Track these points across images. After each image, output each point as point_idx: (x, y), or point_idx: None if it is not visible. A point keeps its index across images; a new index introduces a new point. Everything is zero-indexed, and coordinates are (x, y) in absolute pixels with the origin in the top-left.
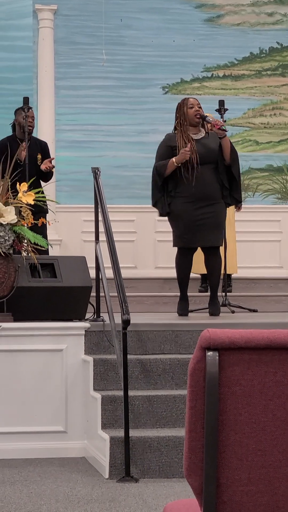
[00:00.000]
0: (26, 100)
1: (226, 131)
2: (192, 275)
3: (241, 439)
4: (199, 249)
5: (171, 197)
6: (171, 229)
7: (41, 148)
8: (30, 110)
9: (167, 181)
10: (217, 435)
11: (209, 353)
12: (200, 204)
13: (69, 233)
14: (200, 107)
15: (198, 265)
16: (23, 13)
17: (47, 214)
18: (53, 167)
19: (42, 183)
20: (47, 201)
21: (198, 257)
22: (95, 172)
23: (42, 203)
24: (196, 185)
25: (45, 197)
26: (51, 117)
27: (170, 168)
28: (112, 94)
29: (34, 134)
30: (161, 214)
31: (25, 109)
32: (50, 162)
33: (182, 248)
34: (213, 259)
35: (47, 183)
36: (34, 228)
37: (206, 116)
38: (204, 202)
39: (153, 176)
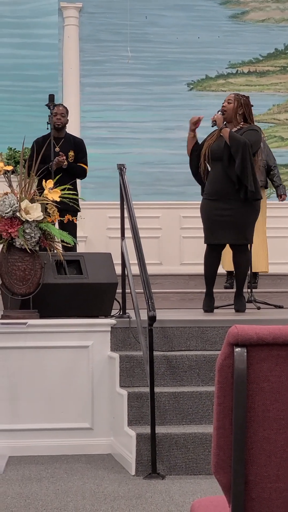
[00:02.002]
0: (51, 97)
1: (212, 125)
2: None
3: (269, 435)
4: (227, 246)
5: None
6: (196, 226)
7: (75, 145)
8: (56, 106)
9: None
10: (245, 432)
11: (237, 349)
12: (216, 201)
13: (94, 230)
14: (230, 102)
15: (224, 262)
16: (49, 11)
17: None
18: (62, 161)
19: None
20: (75, 200)
21: (224, 254)
22: (121, 168)
23: (70, 200)
24: (209, 182)
25: (76, 194)
26: (77, 114)
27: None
28: (137, 91)
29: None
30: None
31: (51, 106)
32: (62, 156)
33: (208, 244)
34: (239, 256)
35: (82, 180)
36: (64, 226)
37: (219, 111)
38: (218, 198)
39: None
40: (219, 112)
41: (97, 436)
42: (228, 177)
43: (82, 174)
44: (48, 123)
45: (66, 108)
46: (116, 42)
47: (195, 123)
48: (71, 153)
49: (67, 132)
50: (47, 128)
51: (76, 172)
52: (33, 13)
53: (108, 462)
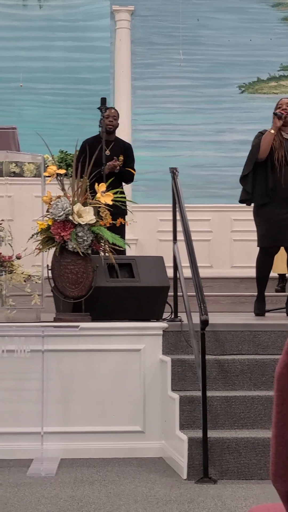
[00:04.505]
0: (103, 100)
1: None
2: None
3: None
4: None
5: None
6: (247, 229)
7: (124, 150)
8: (109, 109)
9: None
10: None
11: None
12: (283, 204)
13: (145, 233)
14: None
15: (276, 265)
16: (101, 14)
17: (125, 215)
18: (116, 166)
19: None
20: (126, 202)
21: (276, 257)
22: (173, 172)
23: (121, 204)
24: (280, 185)
25: (125, 197)
26: (128, 117)
27: (267, 138)
28: (189, 93)
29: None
30: (241, 200)
31: (103, 109)
32: (116, 161)
33: (264, 248)
34: None
35: (129, 184)
36: (112, 229)
37: (281, 114)
38: (285, 200)
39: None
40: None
41: (148, 440)
42: None
43: (130, 178)
44: (100, 126)
45: (117, 111)
46: (168, 45)
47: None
48: (121, 158)
49: (116, 136)
50: (98, 132)
51: (125, 177)
52: (85, 16)
53: (160, 465)
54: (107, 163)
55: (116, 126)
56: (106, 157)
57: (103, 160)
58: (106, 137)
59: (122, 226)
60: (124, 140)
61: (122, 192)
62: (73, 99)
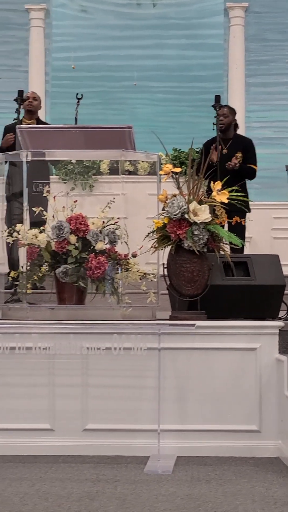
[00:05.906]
0: (217, 98)
1: None
2: None
3: None
4: None
5: None
6: None
7: (244, 146)
8: (221, 108)
9: None
10: None
11: None
12: None
13: (259, 231)
14: None
15: None
16: (215, 11)
17: (248, 213)
18: (235, 164)
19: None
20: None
21: None
22: None
23: (238, 202)
24: None
25: (244, 195)
26: (242, 114)
27: None
28: None
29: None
30: None
31: (216, 107)
32: (236, 159)
33: None
34: None
35: (251, 181)
36: (232, 227)
37: None
38: None
39: None
40: None
41: (265, 439)
42: None
43: (251, 174)
44: (214, 124)
45: (230, 108)
46: (282, 41)
47: None
48: (239, 154)
49: (236, 132)
50: (213, 129)
51: (245, 173)
52: (198, 14)
53: (277, 465)
54: (226, 164)
55: (228, 123)
56: (223, 155)
57: (221, 159)
58: (222, 136)
59: (242, 225)
60: (245, 136)
61: (242, 190)
62: (186, 97)
